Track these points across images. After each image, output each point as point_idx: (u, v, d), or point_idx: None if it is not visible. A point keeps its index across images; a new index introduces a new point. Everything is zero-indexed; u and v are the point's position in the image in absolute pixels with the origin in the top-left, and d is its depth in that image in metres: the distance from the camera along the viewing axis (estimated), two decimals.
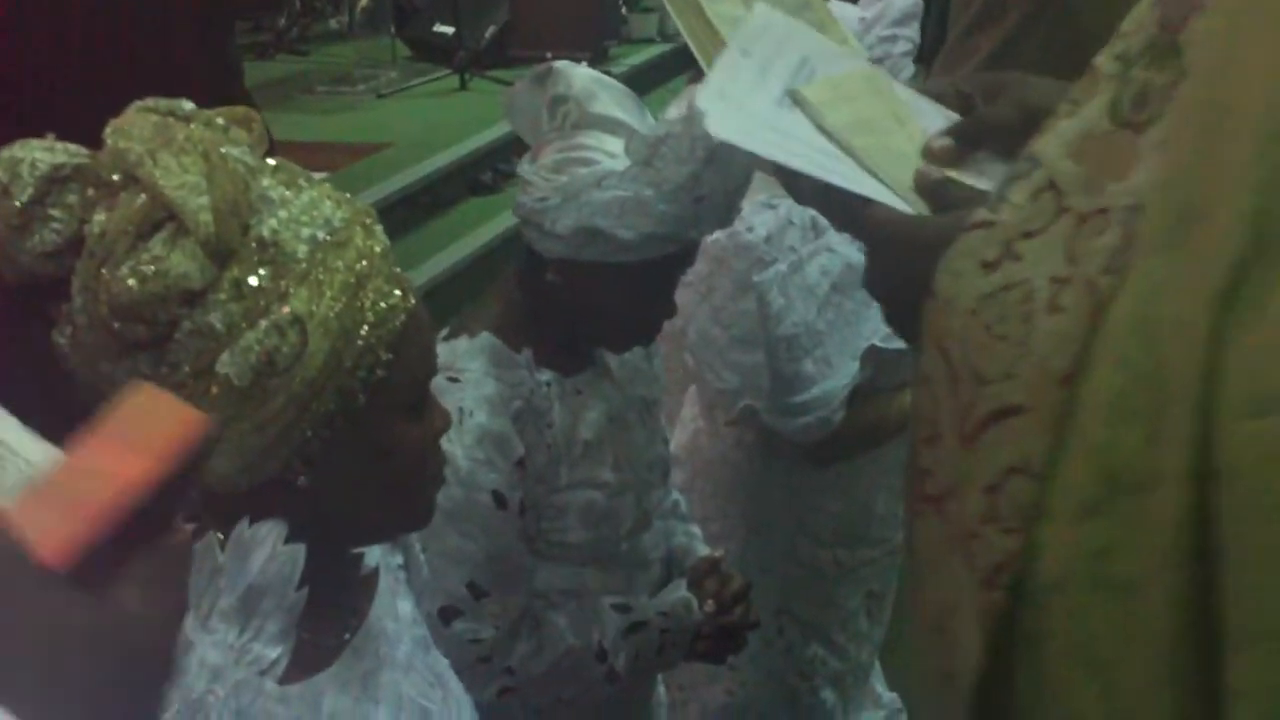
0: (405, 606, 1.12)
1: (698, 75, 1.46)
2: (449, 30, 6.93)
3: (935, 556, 0.84)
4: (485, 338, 1.53)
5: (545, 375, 1.54)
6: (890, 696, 2.33)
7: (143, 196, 0.86)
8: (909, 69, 1.92)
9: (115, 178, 0.87)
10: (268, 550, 0.92)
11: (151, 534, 0.54)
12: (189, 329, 0.87)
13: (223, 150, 0.87)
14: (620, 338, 1.60)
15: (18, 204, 0.86)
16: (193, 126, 0.89)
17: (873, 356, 1.88)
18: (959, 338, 0.79)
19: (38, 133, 0.90)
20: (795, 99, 0.98)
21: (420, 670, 1.10)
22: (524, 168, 1.52)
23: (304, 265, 0.89)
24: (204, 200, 0.85)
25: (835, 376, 1.88)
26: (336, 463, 0.94)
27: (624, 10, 7.87)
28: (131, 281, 0.85)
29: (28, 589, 0.49)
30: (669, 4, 1.14)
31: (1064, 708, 0.75)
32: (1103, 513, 0.71)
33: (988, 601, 0.79)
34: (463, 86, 6.64)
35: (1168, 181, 0.72)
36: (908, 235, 0.89)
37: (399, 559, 1.17)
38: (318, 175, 0.97)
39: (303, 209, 0.90)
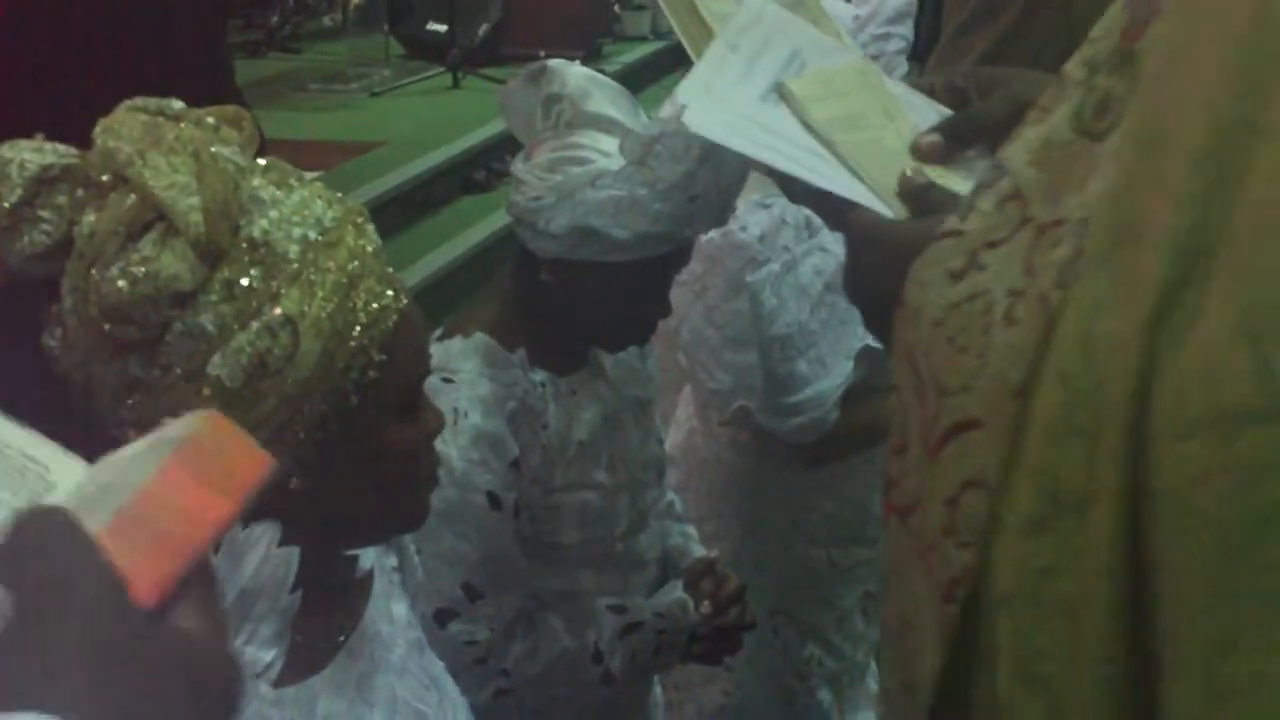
0: (400, 609, 1.12)
1: None
2: (442, 28, 6.92)
3: (900, 567, 0.84)
4: (479, 338, 1.52)
5: (540, 375, 1.54)
6: None
7: (132, 197, 0.85)
8: (902, 67, 1.91)
9: (105, 178, 0.87)
10: (261, 553, 0.92)
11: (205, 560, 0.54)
12: (180, 330, 0.86)
13: (213, 150, 0.87)
14: (615, 337, 1.59)
15: (6, 205, 0.86)
16: (182, 126, 0.88)
17: (867, 356, 1.88)
18: (925, 348, 0.79)
19: (28, 133, 0.89)
20: (782, 93, 0.97)
21: (415, 672, 1.09)
22: (518, 166, 1.51)
23: (295, 266, 0.88)
24: (194, 200, 0.84)
25: (829, 376, 1.87)
26: (330, 464, 0.93)
27: (616, 8, 7.87)
28: (122, 283, 0.84)
29: (121, 619, 0.50)
30: (662, 1, 1.13)
31: None
32: (1047, 530, 0.71)
33: (945, 615, 0.78)
34: (456, 85, 6.63)
35: (1110, 196, 0.71)
36: (885, 239, 0.88)
37: (393, 561, 1.16)
38: (310, 174, 0.96)
39: (294, 209, 0.90)
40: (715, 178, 1.43)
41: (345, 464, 0.95)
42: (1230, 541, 0.65)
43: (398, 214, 4.91)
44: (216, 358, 0.87)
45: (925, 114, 0.99)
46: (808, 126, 0.95)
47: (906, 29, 1.91)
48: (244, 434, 0.57)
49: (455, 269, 4.69)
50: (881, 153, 0.94)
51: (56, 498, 0.56)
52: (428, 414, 1.03)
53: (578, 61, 1.57)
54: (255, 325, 0.87)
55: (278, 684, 0.95)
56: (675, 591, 1.66)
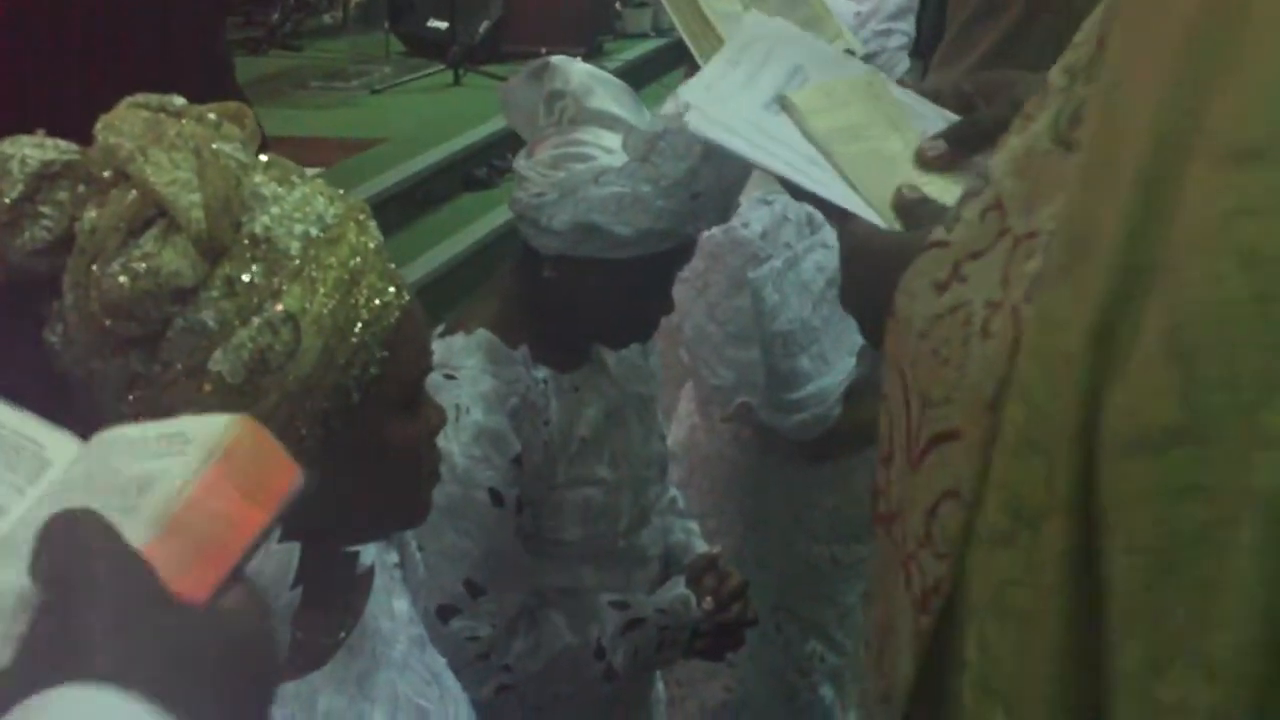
0: (401, 605, 1.11)
1: (693, 70, 1.45)
2: (443, 25, 6.92)
3: (883, 575, 0.84)
4: (481, 334, 1.52)
5: (542, 372, 1.54)
6: None
7: (133, 193, 0.85)
8: (904, 63, 1.91)
9: (106, 174, 0.86)
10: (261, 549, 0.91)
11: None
12: (181, 326, 0.86)
13: (214, 146, 0.86)
14: (617, 334, 1.59)
15: (7, 201, 0.85)
16: (184, 122, 0.88)
17: (869, 353, 1.87)
18: (911, 359, 0.78)
19: (29, 129, 0.89)
20: (783, 105, 0.97)
21: (416, 669, 1.09)
22: (520, 163, 1.51)
23: (297, 262, 0.88)
24: (195, 197, 0.84)
25: (831, 373, 1.87)
26: (331, 460, 0.93)
27: (618, 5, 7.86)
28: (123, 279, 0.84)
29: (165, 617, 0.51)
30: (665, 1, 1.13)
31: None
32: (1010, 544, 0.71)
33: (919, 625, 0.78)
34: (456, 82, 6.63)
35: (1067, 209, 0.71)
36: (877, 249, 0.88)
37: (395, 557, 1.16)
38: (311, 171, 0.96)
39: (295, 205, 0.89)
40: (718, 175, 1.43)
41: (347, 460, 0.94)
42: (1162, 561, 0.65)
43: (398, 211, 4.91)
44: (218, 354, 0.86)
45: (933, 121, 0.99)
46: (808, 137, 0.96)
47: (908, 25, 1.91)
48: (276, 442, 0.57)
49: (456, 266, 4.68)
50: (881, 163, 0.94)
51: (55, 472, 0.57)
52: (429, 410, 1.03)
53: (578, 58, 1.57)
54: (257, 321, 0.87)
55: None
56: (677, 588, 1.66)
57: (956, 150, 0.93)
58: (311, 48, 7.46)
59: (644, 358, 1.69)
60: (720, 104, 0.96)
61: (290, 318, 0.87)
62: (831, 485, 2.00)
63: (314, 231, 0.89)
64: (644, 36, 7.82)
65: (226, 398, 0.87)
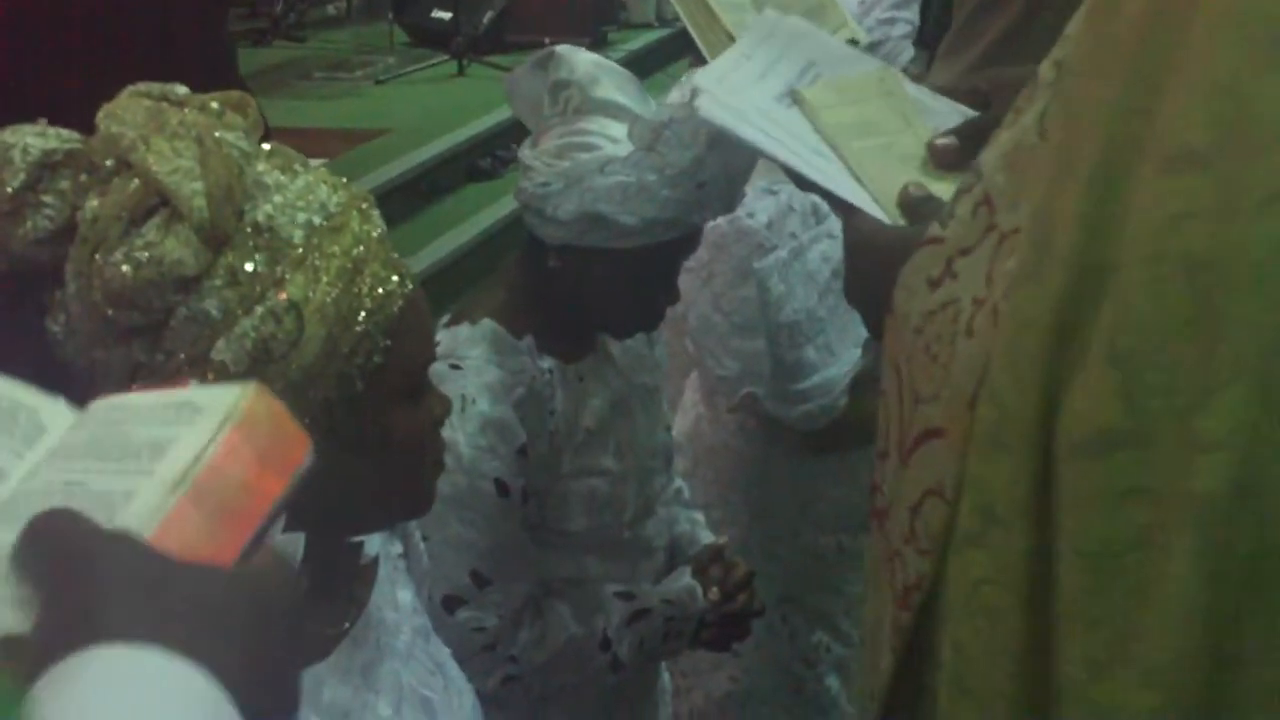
0: (405, 595, 1.11)
1: (698, 60, 1.44)
2: (447, 15, 6.91)
3: (874, 571, 0.84)
4: (487, 324, 1.52)
5: (547, 362, 1.53)
6: None
7: (136, 182, 0.84)
8: (908, 52, 1.90)
9: (108, 163, 0.86)
10: None
11: None
12: (184, 316, 0.86)
13: (216, 135, 0.86)
14: (623, 324, 1.59)
15: (9, 190, 0.85)
16: (186, 111, 0.87)
17: (875, 344, 1.87)
18: (907, 355, 0.78)
19: (31, 118, 0.89)
20: (795, 99, 0.97)
21: (421, 659, 1.09)
22: (525, 153, 1.50)
23: (300, 251, 0.88)
24: (198, 185, 0.83)
25: (837, 363, 1.87)
26: (335, 450, 0.93)
27: None
28: (125, 268, 0.83)
29: (184, 577, 0.51)
30: None
31: None
32: (982, 543, 0.71)
33: (899, 621, 0.78)
34: (461, 72, 6.62)
35: (1035, 206, 0.71)
36: (880, 243, 0.87)
37: (399, 548, 1.16)
38: (316, 162, 0.95)
39: (298, 194, 0.89)
40: (723, 164, 1.43)
41: (351, 450, 0.94)
42: (1104, 564, 0.65)
43: (403, 202, 4.90)
44: (221, 343, 0.86)
45: (948, 117, 0.99)
46: (818, 131, 0.95)
47: (912, 13, 1.90)
48: (287, 411, 0.58)
49: (461, 256, 4.68)
50: (891, 160, 0.94)
51: (52, 437, 0.58)
52: (433, 399, 1.03)
53: (583, 49, 1.56)
54: (260, 310, 0.86)
55: None
56: (683, 578, 1.66)
57: (968, 147, 0.93)
58: (315, 38, 7.45)
59: (649, 348, 1.68)
60: (732, 92, 0.96)
61: (293, 306, 0.87)
62: (837, 476, 1.99)
63: (317, 220, 0.89)
64: (648, 26, 7.80)
65: None
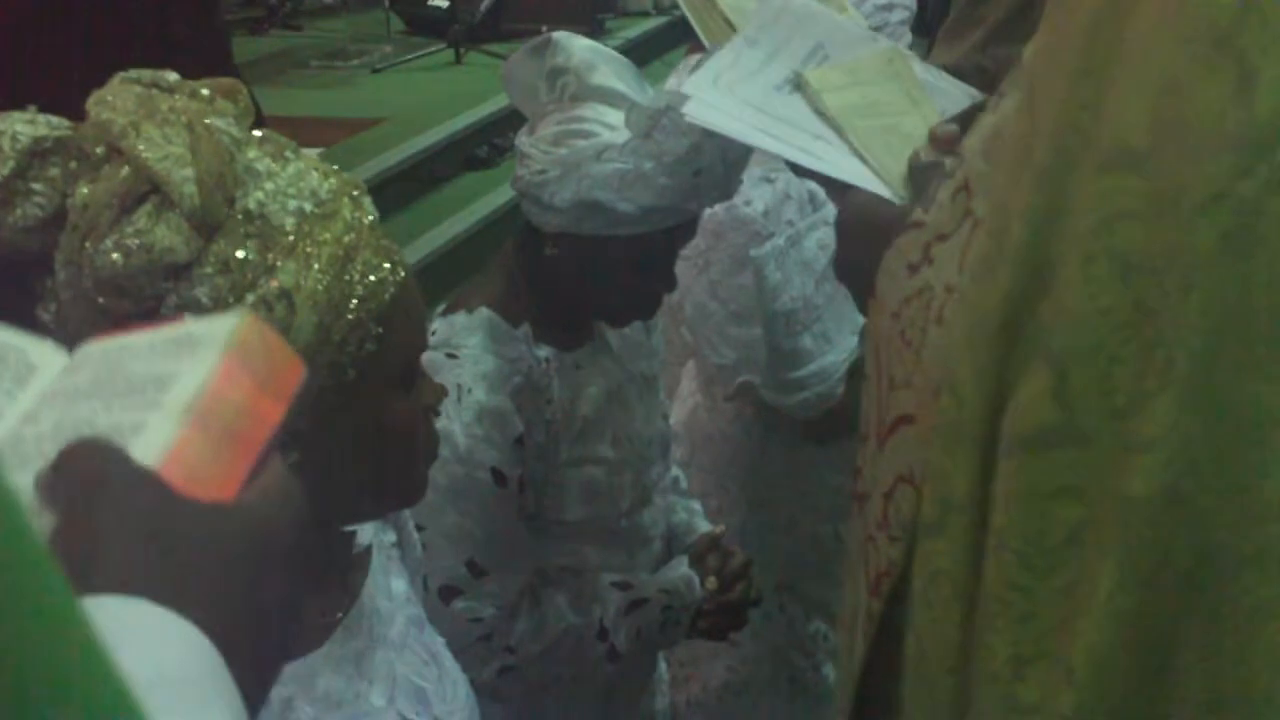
0: (399, 585, 1.11)
1: (696, 47, 1.43)
2: (444, 4, 6.89)
3: (853, 557, 0.84)
4: (483, 313, 1.51)
5: (544, 351, 1.53)
6: None
7: (126, 169, 0.84)
8: (906, 38, 1.89)
9: (98, 150, 0.85)
10: None
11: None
12: (175, 303, 0.85)
13: (207, 121, 0.85)
14: (620, 312, 1.58)
15: None
16: (177, 98, 0.86)
17: None
18: (885, 339, 0.78)
19: (20, 105, 0.88)
20: (798, 83, 0.97)
21: (414, 649, 1.08)
22: (522, 140, 1.50)
23: (291, 238, 0.87)
24: (188, 172, 0.83)
25: (834, 351, 1.86)
26: (326, 438, 0.92)
27: None
28: (115, 255, 0.83)
29: (184, 523, 0.51)
30: None
31: None
32: (940, 533, 0.71)
33: (870, 608, 0.78)
34: (457, 61, 6.60)
35: (993, 197, 0.70)
36: (873, 221, 0.87)
37: (392, 537, 1.15)
38: (312, 151, 0.95)
39: (289, 181, 0.88)
40: (720, 152, 1.42)
41: (343, 438, 0.94)
42: (1030, 562, 0.64)
43: (400, 191, 4.89)
44: None
45: (957, 99, 0.99)
46: (821, 114, 0.95)
47: None
48: (279, 337, 0.58)
49: (458, 245, 4.67)
50: (897, 139, 0.94)
51: (44, 377, 0.58)
52: (425, 386, 1.02)
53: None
54: (251, 298, 0.86)
55: None
56: (680, 567, 1.65)
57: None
58: (312, 27, 7.43)
59: (647, 336, 1.68)
60: (725, 92, 0.96)
61: (285, 294, 0.86)
62: (834, 464, 1.98)
63: (308, 207, 0.88)
64: (645, 15, 7.78)
65: None
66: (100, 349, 0.59)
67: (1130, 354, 0.61)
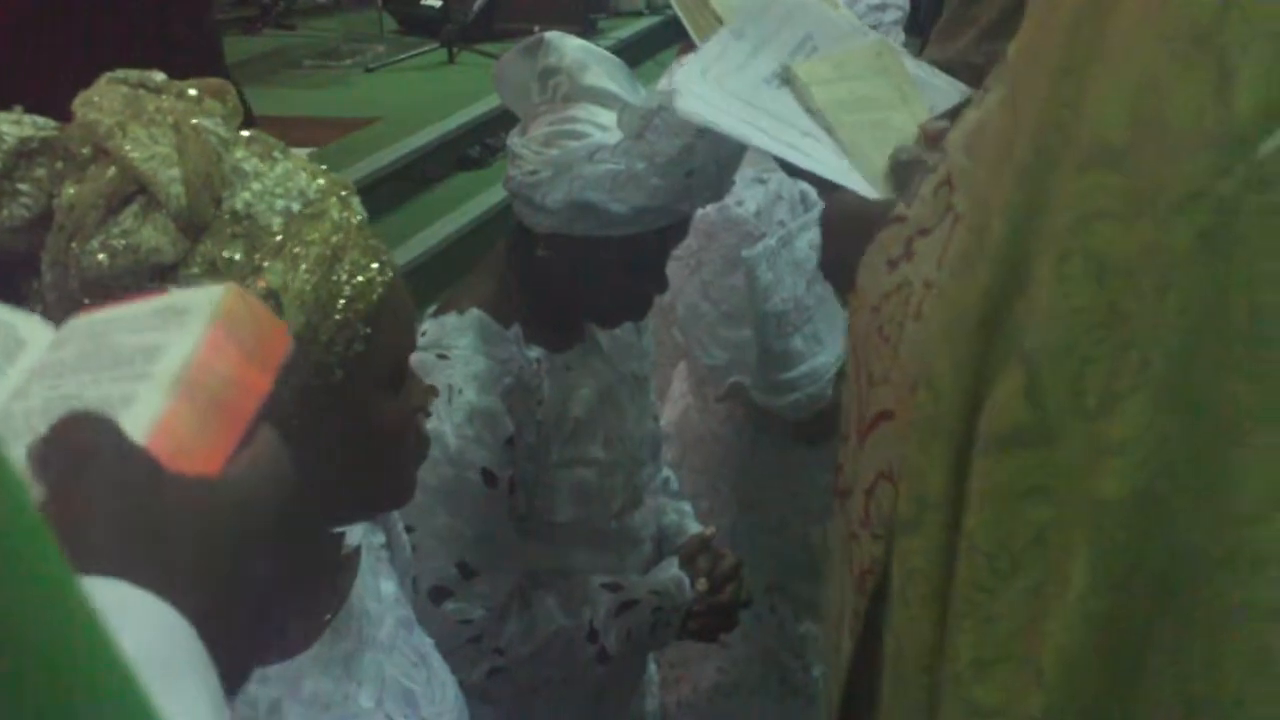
0: (388, 586, 1.10)
1: (688, 46, 1.43)
2: (437, 3, 6.88)
3: (837, 554, 0.83)
4: (474, 314, 1.50)
5: (535, 351, 1.52)
6: None
7: (112, 169, 0.83)
8: (898, 38, 1.89)
9: (85, 150, 0.85)
10: None
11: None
12: None
13: (194, 122, 0.85)
14: (611, 313, 1.58)
15: None
16: (164, 98, 0.86)
17: None
18: (864, 335, 0.78)
19: (6, 105, 0.87)
20: (786, 76, 0.96)
21: (403, 650, 1.08)
22: (514, 141, 1.49)
23: (278, 238, 0.87)
24: (175, 172, 0.82)
25: (825, 352, 1.86)
26: (314, 439, 0.92)
27: None
28: (102, 256, 0.82)
29: (169, 505, 0.50)
30: None
31: None
32: (915, 532, 0.70)
33: (856, 605, 0.78)
34: (451, 60, 6.60)
35: (974, 193, 0.70)
36: (861, 216, 0.86)
37: (381, 538, 1.15)
38: (305, 151, 0.94)
39: (277, 181, 0.88)
40: (712, 153, 1.42)
41: (331, 439, 0.93)
42: (996, 565, 0.64)
43: (393, 190, 4.88)
44: None
45: (947, 94, 0.98)
46: (809, 109, 0.95)
47: None
48: (265, 307, 0.58)
49: (450, 245, 4.66)
50: (886, 134, 0.93)
51: (33, 352, 0.57)
52: (414, 387, 1.02)
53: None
54: None
55: (263, 663, 0.94)
56: (671, 569, 1.65)
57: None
58: (305, 26, 7.42)
59: (638, 336, 1.67)
60: (714, 86, 0.95)
61: (272, 294, 0.86)
62: (825, 465, 1.97)
63: (296, 207, 0.88)
64: (638, 15, 7.77)
65: None
66: (87, 322, 0.59)
67: (1103, 354, 0.61)
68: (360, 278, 0.91)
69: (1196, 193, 0.58)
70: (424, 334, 1.49)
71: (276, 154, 0.90)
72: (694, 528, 1.76)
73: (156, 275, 0.84)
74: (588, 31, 6.72)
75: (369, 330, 0.92)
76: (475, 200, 5.07)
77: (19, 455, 0.50)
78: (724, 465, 2.02)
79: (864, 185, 0.89)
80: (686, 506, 1.81)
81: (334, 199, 0.91)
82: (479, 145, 5.51)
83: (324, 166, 0.93)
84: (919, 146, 0.91)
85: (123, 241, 0.82)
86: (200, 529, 0.50)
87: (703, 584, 1.65)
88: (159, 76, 0.89)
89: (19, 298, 0.88)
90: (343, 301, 0.90)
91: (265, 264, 0.86)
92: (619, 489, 1.61)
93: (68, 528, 0.48)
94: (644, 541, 1.68)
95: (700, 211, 1.65)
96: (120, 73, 0.89)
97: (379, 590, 1.08)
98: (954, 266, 0.69)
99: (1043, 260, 0.63)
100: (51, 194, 0.85)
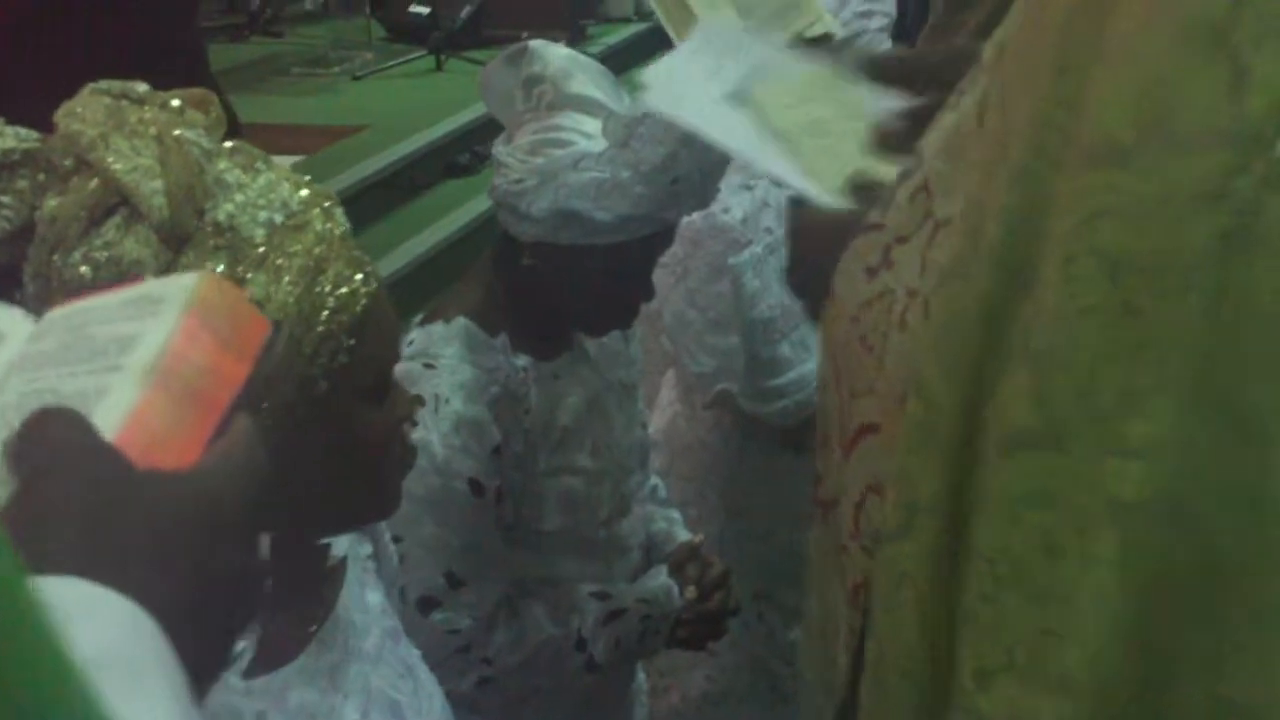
0: (374, 597, 1.10)
1: None
2: (425, 10, 6.88)
3: (822, 564, 0.83)
4: (461, 322, 1.50)
5: (522, 360, 1.52)
6: None
7: (95, 181, 0.83)
8: (885, 44, 1.89)
9: (67, 162, 0.84)
10: None
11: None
12: None
13: (177, 133, 0.85)
14: (598, 321, 1.58)
15: None
16: (146, 109, 0.86)
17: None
18: (842, 344, 0.77)
19: (17, 106, 0.87)
20: (742, 99, 0.96)
21: (390, 661, 1.07)
22: (499, 149, 1.49)
23: (261, 250, 0.86)
24: (157, 184, 0.82)
25: (812, 359, 1.86)
26: (300, 451, 0.91)
27: None
28: (84, 268, 0.82)
29: (138, 502, 0.50)
30: None
31: None
32: (906, 539, 0.70)
33: (851, 619, 0.77)
34: (438, 68, 6.59)
35: (968, 197, 0.69)
36: (824, 225, 0.86)
37: (367, 549, 1.14)
38: (292, 158, 0.94)
39: (260, 192, 0.88)
40: (698, 160, 1.42)
41: (315, 450, 0.93)
42: (1003, 571, 0.63)
43: (380, 198, 4.88)
44: None
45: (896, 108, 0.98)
46: (770, 130, 0.95)
47: (888, 5, 1.89)
48: (243, 294, 0.57)
49: (438, 253, 4.66)
50: (840, 157, 0.93)
51: (13, 344, 0.57)
52: (399, 398, 1.01)
53: (561, 43, 1.55)
54: None
55: (248, 675, 0.94)
56: (659, 577, 1.65)
57: (914, 129, 0.91)
58: (293, 34, 7.41)
59: (625, 344, 1.67)
60: (684, 85, 0.95)
61: (255, 306, 0.85)
62: (813, 472, 1.98)
63: (278, 218, 0.88)
64: (626, 21, 7.78)
65: None
66: (63, 314, 0.59)
67: (1116, 354, 0.60)
68: (344, 289, 0.90)
69: (1213, 192, 0.58)
70: (411, 343, 1.49)
71: (259, 165, 0.90)
72: (682, 535, 1.76)
73: None
74: (576, 38, 6.73)
75: (353, 342, 0.91)
76: (464, 207, 5.06)
77: None
78: (712, 473, 2.01)
79: (829, 198, 0.88)
80: (675, 514, 1.81)
81: (317, 210, 0.90)
82: (468, 152, 5.50)
83: (309, 176, 0.93)
84: (874, 161, 0.90)
85: (105, 253, 0.82)
86: (169, 525, 0.50)
87: (691, 592, 1.65)
88: (141, 87, 0.89)
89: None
90: (326, 313, 0.89)
91: (248, 276, 0.86)
92: (607, 497, 1.61)
93: (36, 524, 0.48)
94: (632, 550, 1.68)
95: (686, 219, 1.65)
96: (103, 84, 0.89)
97: (365, 601, 1.08)
98: (946, 271, 0.69)
99: (1048, 262, 0.62)
100: (34, 206, 0.85)
